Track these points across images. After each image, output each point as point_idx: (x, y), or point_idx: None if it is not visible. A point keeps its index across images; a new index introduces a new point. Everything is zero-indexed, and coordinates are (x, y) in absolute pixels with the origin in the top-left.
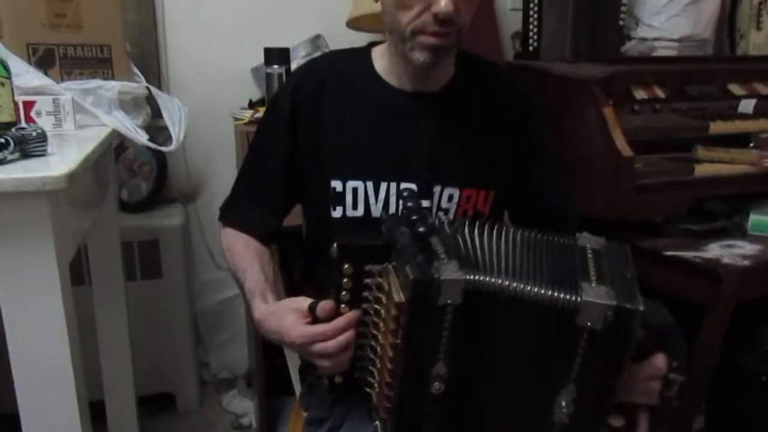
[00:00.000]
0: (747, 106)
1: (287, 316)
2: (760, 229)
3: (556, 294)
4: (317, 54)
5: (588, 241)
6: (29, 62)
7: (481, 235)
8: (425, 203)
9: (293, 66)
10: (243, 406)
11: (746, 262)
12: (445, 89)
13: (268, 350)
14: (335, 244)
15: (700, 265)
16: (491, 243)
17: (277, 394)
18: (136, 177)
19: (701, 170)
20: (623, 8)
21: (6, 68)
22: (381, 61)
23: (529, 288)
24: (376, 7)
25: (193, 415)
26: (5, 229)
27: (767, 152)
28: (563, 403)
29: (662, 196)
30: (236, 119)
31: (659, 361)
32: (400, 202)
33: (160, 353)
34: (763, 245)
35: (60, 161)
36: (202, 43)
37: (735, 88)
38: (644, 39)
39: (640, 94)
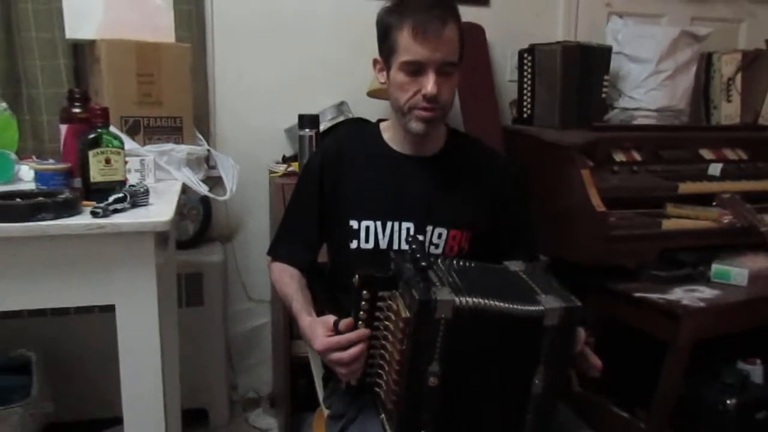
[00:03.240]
0: (715, 169)
1: (317, 329)
2: (721, 277)
3: (528, 307)
4: (342, 117)
5: (515, 266)
6: (122, 131)
7: (462, 268)
8: (419, 238)
9: (321, 127)
10: (267, 422)
11: (703, 304)
12: (437, 154)
13: (292, 372)
14: (357, 276)
15: (663, 305)
16: (468, 274)
17: (298, 411)
18: (185, 220)
19: (668, 224)
20: (605, 83)
21: (121, 141)
22: (387, 132)
23: (504, 305)
24: (380, 78)
25: (224, 429)
26: (125, 257)
27: (727, 211)
28: (537, 381)
29: (633, 246)
30: (271, 172)
31: (582, 334)
32: (406, 244)
33: (198, 373)
34: (722, 291)
35: (160, 210)
36: (245, 108)
37: (705, 153)
38: (626, 109)
39: (619, 157)
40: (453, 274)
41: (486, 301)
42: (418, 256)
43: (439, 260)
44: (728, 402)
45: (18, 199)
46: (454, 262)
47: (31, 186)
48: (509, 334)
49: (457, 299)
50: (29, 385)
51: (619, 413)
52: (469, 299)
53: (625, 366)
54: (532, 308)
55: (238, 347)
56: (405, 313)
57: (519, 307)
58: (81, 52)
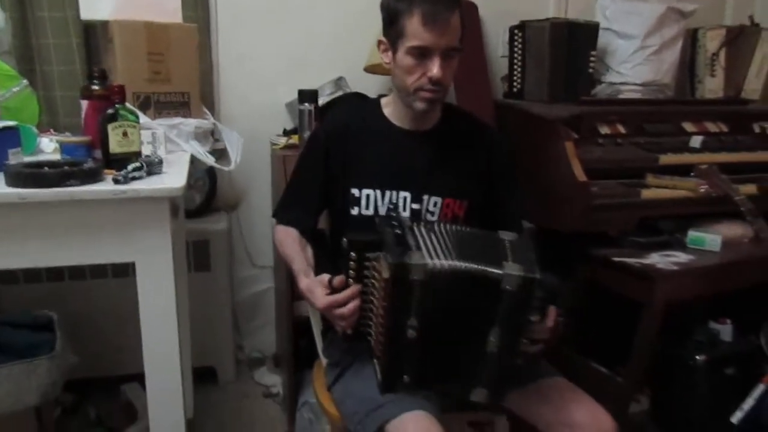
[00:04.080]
0: (696, 141)
1: (316, 289)
2: (696, 243)
3: (489, 269)
4: (340, 92)
5: (506, 235)
6: (135, 106)
7: (441, 233)
8: (415, 206)
9: (320, 101)
10: (272, 380)
11: (676, 268)
12: (433, 129)
13: (294, 333)
14: (345, 239)
15: (639, 269)
16: (448, 238)
17: (300, 369)
18: (192, 190)
19: (648, 194)
20: (593, 58)
21: (136, 116)
22: (387, 108)
23: (473, 266)
24: (385, 59)
25: (232, 386)
26: (143, 220)
27: (703, 181)
28: (492, 339)
29: (614, 214)
30: (273, 144)
31: (552, 312)
32: (401, 205)
33: (206, 334)
34: (696, 256)
35: (173, 178)
36: (248, 84)
37: (688, 126)
38: (612, 83)
39: (604, 129)
40: (432, 239)
41: (456, 263)
42: (394, 222)
43: (422, 225)
44: (698, 358)
45: (46, 168)
46: (437, 226)
47: (51, 157)
48: (473, 293)
49: (430, 262)
50: (53, 341)
51: (598, 369)
52: (443, 262)
53: (607, 328)
54: (493, 271)
55: (243, 310)
56: (386, 275)
57: (482, 268)
58: (92, 31)
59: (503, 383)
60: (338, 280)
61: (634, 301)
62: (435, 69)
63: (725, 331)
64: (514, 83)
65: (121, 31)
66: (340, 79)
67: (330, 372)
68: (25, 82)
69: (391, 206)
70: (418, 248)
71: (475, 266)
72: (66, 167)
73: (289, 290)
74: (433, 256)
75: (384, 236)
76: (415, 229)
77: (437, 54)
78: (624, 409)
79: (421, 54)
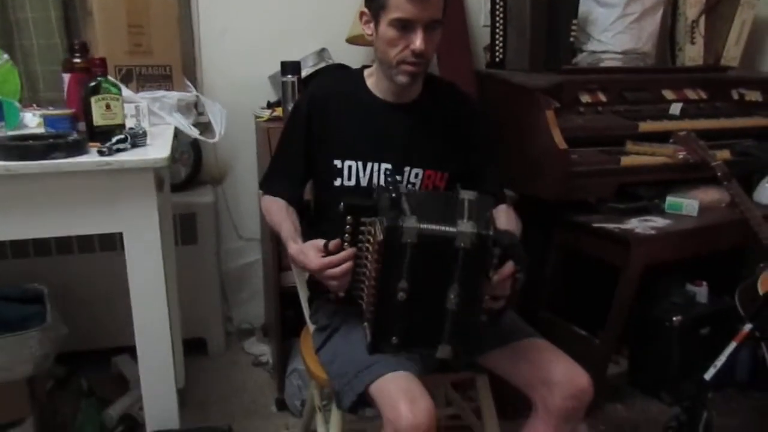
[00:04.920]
0: (675, 109)
1: (309, 252)
2: (673, 209)
3: (447, 228)
4: (323, 64)
5: (466, 194)
6: (117, 79)
7: (430, 199)
8: (398, 178)
9: (303, 73)
10: (261, 349)
11: (653, 232)
12: (415, 101)
13: (281, 304)
14: (342, 203)
15: (617, 234)
16: (434, 203)
17: (288, 337)
18: (177, 163)
19: (626, 161)
20: (574, 27)
21: (119, 89)
22: (370, 79)
23: (440, 227)
24: (367, 30)
25: (222, 357)
26: (129, 191)
27: (681, 147)
28: (451, 296)
29: (593, 181)
30: (257, 117)
31: (509, 267)
32: (382, 178)
33: (195, 306)
34: (673, 220)
35: (157, 150)
36: (230, 56)
37: (668, 94)
38: (593, 52)
39: (585, 98)
40: (420, 204)
41: (435, 226)
42: (390, 188)
43: (412, 193)
44: (674, 319)
45: (32, 141)
46: (422, 193)
47: (35, 131)
48: (438, 254)
49: (420, 226)
50: (44, 313)
51: (578, 331)
52: (430, 225)
53: (587, 292)
54: (449, 230)
55: (231, 282)
56: (379, 236)
57: (443, 228)
58: (70, 3)
59: (466, 340)
60: (334, 243)
61: (613, 265)
62: (418, 42)
63: (701, 293)
64: (496, 53)
65: (100, 3)
66: (322, 50)
67: (317, 336)
68: (6, 56)
69: (388, 173)
70: (413, 213)
71: (437, 227)
72: (51, 140)
73: (276, 261)
74: (422, 220)
75: (380, 201)
76: (412, 196)
77: (420, 26)
78: (602, 370)
79: (404, 26)
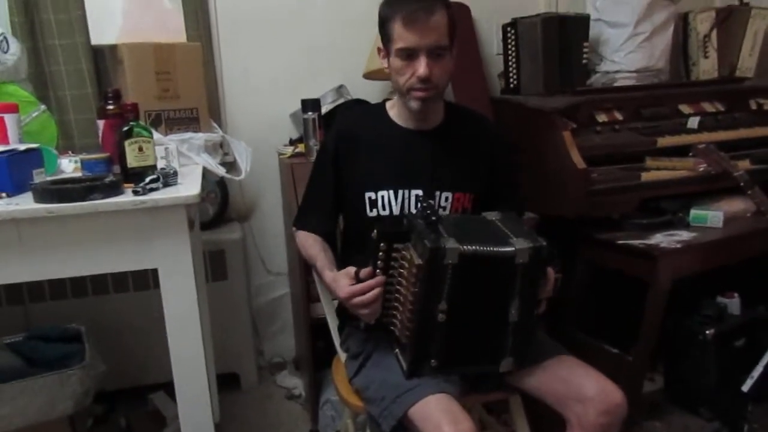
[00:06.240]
0: (693, 122)
1: (341, 280)
2: (698, 221)
3: (503, 248)
4: (341, 100)
5: (491, 215)
6: (147, 123)
7: (463, 222)
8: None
9: (323, 110)
10: (293, 382)
11: (679, 245)
12: (437, 128)
13: (312, 335)
14: (375, 230)
15: (643, 249)
16: (468, 226)
17: (319, 369)
18: (205, 202)
19: (647, 176)
20: (585, 49)
21: (150, 132)
22: (392, 110)
23: (490, 248)
24: (384, 64)
25: (255, 391)
26: (163, 228)
27: (701, 159)
28: (513, 310)
29: (614, 198)
30: (280, 154)
31: (551, 272)
32: (418, 204)
33: (227, 341)
34: (699, 233)
35: (188, 188)
36: (252, 96)
37: (684, 108)
38: (607, 72)
39: (601, 117)
40: (457, 227)
41: (480, 246)
42: (428, 212)
43: (446, 217)
44: (707, 332)
45: (71, 184)
46: (457, 217)
47: (72, 176)
48: (493, 273)
49: (461, 247)
50: (83, 352)
51: (609, 349)
52: (471, 246)
53: (616, 310)
54: (507, 249)
55: (261, 317)
56: (418, 261)
57: (498, 249)
58: (100, 55)
59: (526, 349)
60: (365, 271)
61: (640, 281)
62: (421, 68)
63: (733, 304)
64: (511, 79)
65: (130, 53)
66: (340, 87)
67: (350, 364)
68: (43, 106)
69: (420, 199)
70: (450, 235)
71: (493, 249)
72: (89, 182)
73: (305, 294)
74: (461, 242)
75: (414, 226)
76: (447, 219)
77: (423, 53)
78: (637, 387)
79: (408, 55)
